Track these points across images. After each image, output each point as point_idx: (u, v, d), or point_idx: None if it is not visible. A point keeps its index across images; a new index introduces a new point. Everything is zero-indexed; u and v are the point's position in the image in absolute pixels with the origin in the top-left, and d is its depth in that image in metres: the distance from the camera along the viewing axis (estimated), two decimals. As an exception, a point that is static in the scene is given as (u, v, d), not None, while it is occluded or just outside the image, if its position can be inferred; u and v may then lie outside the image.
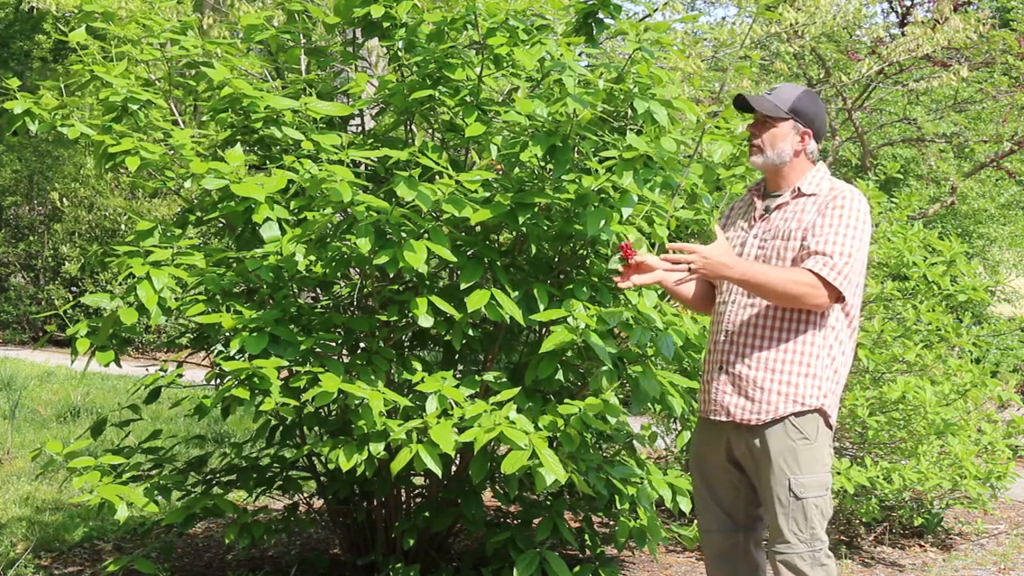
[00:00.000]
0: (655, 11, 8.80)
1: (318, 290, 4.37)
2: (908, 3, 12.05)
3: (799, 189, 3.15)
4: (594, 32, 4.30)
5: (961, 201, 13.00)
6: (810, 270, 3.00)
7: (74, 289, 14.23)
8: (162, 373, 4.21)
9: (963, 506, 5.70)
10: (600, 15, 4.29)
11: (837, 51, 11.07)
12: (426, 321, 3.67)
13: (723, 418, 3.16)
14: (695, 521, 4.43)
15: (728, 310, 3.19)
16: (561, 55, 3.87)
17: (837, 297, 3.04)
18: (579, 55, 4.71)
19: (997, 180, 13.92)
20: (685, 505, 4.19)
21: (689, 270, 3.01)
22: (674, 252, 3.05)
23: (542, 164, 3.93)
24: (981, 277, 10.11)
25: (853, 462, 5.36)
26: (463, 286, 3.72)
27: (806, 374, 3.07)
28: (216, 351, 4.24)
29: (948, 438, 5.30)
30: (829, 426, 3.12)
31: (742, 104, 3.19)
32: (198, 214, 4.20)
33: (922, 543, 5.67)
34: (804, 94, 3.17)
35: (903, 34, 9.87)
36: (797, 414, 3.06)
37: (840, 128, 11.32)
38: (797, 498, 3.05)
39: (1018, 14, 11.16)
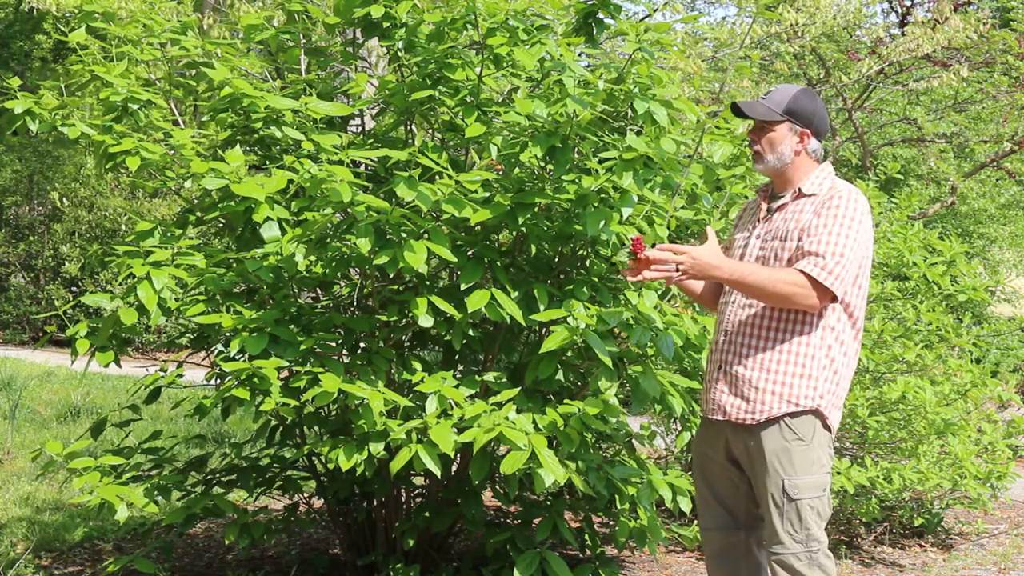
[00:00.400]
0: (655, 11, 8.80)
1: (318, 290, 4.37)
2: (908, 3, 12.05)
3: (800, 190, 3.15)
4: (594, 32, 4.30)
5: (961, 201, 13.01)
6: (800, 270, 3.00)
7: (74, 289, 14.23)
8: (162, 373, 4.21)
9: (963, 506, 5.70)
10: (600, 15, 4.29)
11: (837, 51, 11.08)
12: (426, 321, 3.67)
13: (720, 417, 3.16)
14: (695, 521, 4.43)
15: (728, 310, 3.20)
16: (561, 55, 3.87)
17: (832, 297, 3.03)
18: (579, 55, 4.71)
19: (997, 180, 13.93)
20: (685, 505, 4.19)
21: (678, 270, 3.02)
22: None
23: (542, 164, 3.93)
24: (981, 277, 10.11)
25: (853, 462, 5.36)
26: (463, 286, 3.72)
27: (801, 375, 3.06)
28: (216, 351, 4.24)
29: (948, 438, 5.29)
30: (827, 427, 3.10)
31: (738, 112, 3.19)
32: (198, 214, 4.20)
33: (922, 543, 5.66)
34: (799, 93, 3.17)
35: (903, 34, 9.88)
36: (792, 415, 3.06)
37: (840, 128, 11.33)
38: (791, 499, 3.04)
39: (1018, 14, 11.16)
